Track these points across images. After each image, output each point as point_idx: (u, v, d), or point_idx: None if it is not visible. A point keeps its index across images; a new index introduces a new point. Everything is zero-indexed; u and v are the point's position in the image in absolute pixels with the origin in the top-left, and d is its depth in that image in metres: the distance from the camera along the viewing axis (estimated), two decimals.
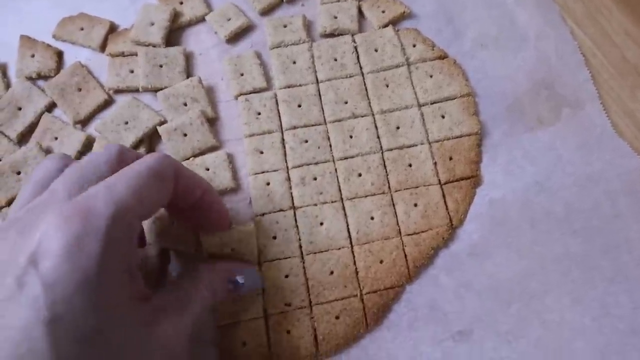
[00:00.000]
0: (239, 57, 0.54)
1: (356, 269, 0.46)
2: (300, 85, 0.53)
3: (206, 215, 0.41)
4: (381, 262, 0.46)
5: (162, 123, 0.51)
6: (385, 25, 0.56)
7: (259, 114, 0.51)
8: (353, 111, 0.51)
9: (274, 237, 0.47)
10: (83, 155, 0.51)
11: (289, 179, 0.49)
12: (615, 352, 0.43)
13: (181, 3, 0.57)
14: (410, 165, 0.50)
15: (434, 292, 0.46)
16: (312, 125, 0.51)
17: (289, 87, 0.53)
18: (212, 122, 0.52)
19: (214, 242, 0.43)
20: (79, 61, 0.54)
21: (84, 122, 0.53)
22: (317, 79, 0.53)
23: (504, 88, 0.53)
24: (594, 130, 0.51)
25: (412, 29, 0.56)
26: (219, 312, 0.44)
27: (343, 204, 0.48)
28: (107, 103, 0.53)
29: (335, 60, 0.54)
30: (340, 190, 0.49)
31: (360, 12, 0.57)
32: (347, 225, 0.48)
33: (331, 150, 0.50)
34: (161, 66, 0.53)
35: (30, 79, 0.54)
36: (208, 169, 0.49)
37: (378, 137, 0.51)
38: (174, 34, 0.56)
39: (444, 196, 0.49)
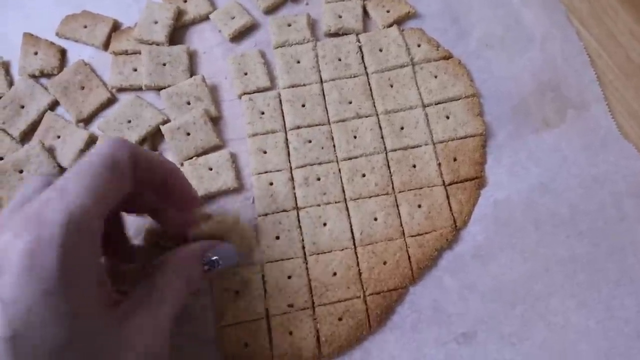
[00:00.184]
0: (243, 56, 0.54)
1: (359, 270, 0.46)
2: (304, 85, 0.52)
3: (173, 195, 0.39)
4: (385, 263, 0.46)
5: (165, 122, 0.51)
6: (390, 25, 0.55)
7: (263, 113, 0.51)
8: (357, 111, 0.51)
9: (277, 238, 0.47)
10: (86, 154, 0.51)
11: (292, 179, 0.49)
12: (620, 355, 0.43)
13: (185, 1, 0.57)
14: (414, 166, 0.49)
15: (438, 294, 0.46)
16: (316, 125, 0.51)
17: (292, 86, 0.52)
18: (216, 121, 0.52)
19: (201, 236, 0.41)
20: (82, 59, 0.54)
21: (87, 121, 0.53)
22: (321, 79, 0.53)
23: (509, 89, 0.53)
24: (599, 132, 0.51)
25: (417, 29, 0.55)
26: (222, 312, 0.44)
27: (347, 205, 0.48)
28: (110, 101, 0.53)
29: (340, 59, 0.53)
30: (343, 191, 0.49)
31: (365, 12, 0.57)
32: (351, 226, 0.47)
33: (335, 150, 0.50)
34: (164, 65, 0.53)
35: (33, 76, 0.54)
36: (211, 169, 0.49)
37: (382, 138, 0.50)
38: (177, 32, 0.56)
39: (448, 197, 0.48)
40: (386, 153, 0.50)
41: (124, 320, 0.32)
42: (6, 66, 0.55)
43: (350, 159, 0.49)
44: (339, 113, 0.51)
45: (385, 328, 0.45)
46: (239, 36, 0.56)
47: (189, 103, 0.51)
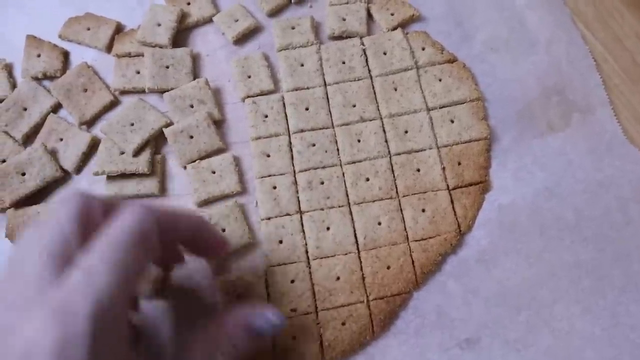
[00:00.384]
0: (247, 58, 0.54)
1: (363, 274, 0.46)
2: (308, 88, 0.52)
3: (200, 246, 0.39)
4: (388, 268, 0.46)
5: (168, 125, 0.51)
6: (394, 28, 0.55)
7: (266, 116, 0.51)
8: (361, 115, 0.51)
9: (280, 242, 0.47)
10: (88, 157, 0.51)
11: (295, 182, 0.49)
12: None
13: (188, 4, 0.56)
14: (418, 170, 0.49)
15: (442, 299, 0.45)
16: (320, 129, 0.51)
17: (296, 89, 0.52)
18: (219, 124, 0.52)
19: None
20: (85, 61, 0.54)
21: (90, 123, 0.52)
22: (325, 82, 0.53)
23: (514, 92, 0.53)
24: (605, 136, 0.51)
25: (421, 32, 0.55)
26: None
27: (350, 209, 0.48)
28: (113, 104, 0.53)
29: (344, 63, 0.53)
30: (347, 195, 0.48)
31: (369, 15, 0.56)
32: (354, 231, 0.47)
33: (339, 154, 0.50)
34: (168, 67, 0.53)
35: (36, 79, 0.54)
36: (214, 172, 0.49)
37: (386, 141, 0.50)
38: (181, 34, 0.56)
39: (452, 202, 0.48)
40: (390, 157, 0.50)
41: None
42: (9, 68, 0.54)
43: (354, 162, 0.49)
44: (342, 116, 0.51)
45: (388, 333, 0.45)
46: (243, 39, 0.55)
47: (192, 106, 0.51)
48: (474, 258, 0.47)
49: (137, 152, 0.49)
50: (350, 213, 0.48)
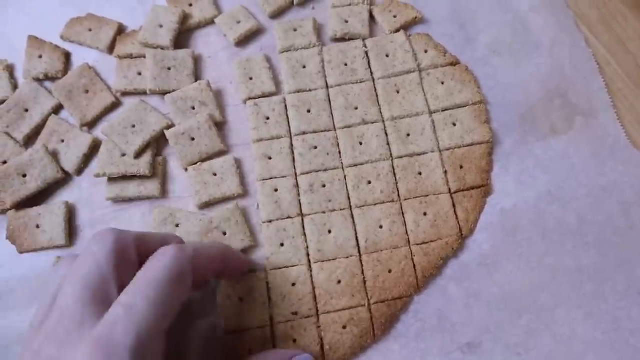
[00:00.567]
0: (249, 60, 0.53)
1: (364, 278, 0.46)
2: (309, 90, 0.52)
3: (227, 274, 0.43)
4: (390, 271, 0.46)
5: (169, 127, 0.50)
6: (397, 30, 0.55)
7: (268, 118, 0.51)
8: (363, 117, 0.51)
9: (282, 245, 0.47)
10: (89, 159, 0.51)
11: (297, 185, 0.49)
12: None
13: (190, 5, 0.56)
14: (420, 174, 0.49)
15: (443, 303, 0.45)
16: (322, 131, 0.50)
17: (298, 91, 0.52)
18: (220, 126, 0.52)
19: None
20: (86, 63, 0.54)
21: (91, 125, 0.52)
22: (327, 84, 0.52)
23: (517, 96, 0.52)
24: (607, 140, 0.50)
25: (424, 35, 0.55)
26: (226, 320, 0.44)
27: (352, 212, 0.48)
28: (115, 105, 0.53)
29: (346, 65, 0.53)
30: (349, 198, 0.48)
31: (372, 17, 0.56)
32: (356, 234, 0.47)
33: (340, 157, 0.50)
34: (169, 69, 0.53)
35: (37, 80, 0.54)
36: (215, 174, 0.49)
37: (388, 144, 0.50)
38: (182, 36, 0.56)
39: (454, 205, 0.48)
40: (392, 160, 0.49)
41: None
42: (10, 69, 0.54)
43: (355, 165, 0.49)
44: (344, 119, 0.51)
45: (389, 337, 0.45)
46: (245, 41, 0.55)
47: (193, 108, 0.51)
48: (476, 262, 0.47)
49: (138, 154, 0.49)
50: (352, 216, 0.48)
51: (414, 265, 0.46)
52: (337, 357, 0.43)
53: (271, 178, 0.49)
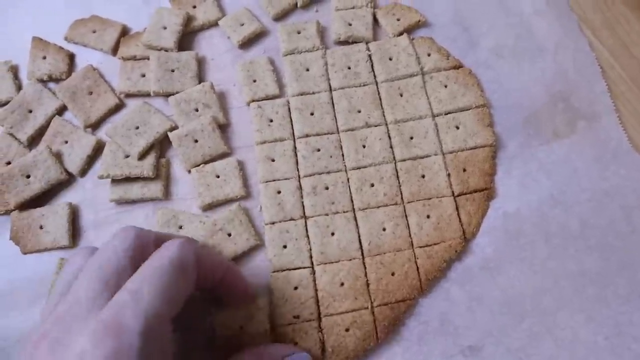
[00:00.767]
0: (252, 62, 0.53)
1: (367, 280, 0.46)
2: (313, 93, 0.52)
3: (229, 292, 0.41)
4: (393, 274, 0.46)
5: (173, 128, 0.51)
6: (400, 34, 0.55)
7: (271, 121, 0.51)
8: (366, 120, 0.51)
9: (284, 247, 0.47)
10: (93, 160, 0.51)
11: (300, 187, 0.49)
12: None
13: (194, 7, 0.56)
14: (423, 176, 0.49)
15: (446, 306, 0.45)
16: (325, 134, 0.50)
17: (301, 94, 0.52)
18: (224, 128, 0.52)
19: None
20: (90, 64, 0.54)
21: (95, 126, 0.52)
22: (330, 87, 0.53)
23: (520, 99, 0.52)
24: (610, 144, 0.50)
25: (427, 38, 0.55)
26: (226, 323, 0.44)
27: (355, 215, 0.48)
28: (118, 107, 0.53)
29: (349, 68, 0.53)
30: (352, 201, 0.48)
31: (375, 20, 0.56)
32: (359, 236, 0.47)
33: (343, 159, 0.50)
34: (173, 71, 0.53)
35: (41, 81, 0.54)
36: (218, 176, 0.49)
37: (391, 147, 0.50)
38: (186, 38, 0.56)
39: (457, 208, 0.48)
40: (395, 163, 0.49)
41: None
42: (15, 70, 0.55)
43: (359, 168, 0.49)
44: (348, 122, 0.51)
45: (392, 340, 0.45)
46: (248, 43, 0.55)
47: (197, 110, 0.51)
48: (479, 265, 0.47)
49: (141, 156, 0.49)
50: (355, 219, 0.48)
51: (417, 268, 0.46)
52: None
53: (274, 180, 0.49)
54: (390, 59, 0.53)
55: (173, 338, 0.34)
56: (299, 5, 0.57)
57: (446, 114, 0.51)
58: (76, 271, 0.34)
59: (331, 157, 0.50)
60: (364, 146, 0.50)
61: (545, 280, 0.46)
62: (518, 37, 0.55)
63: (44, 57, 0.54)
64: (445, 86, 0.52)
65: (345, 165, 0.49)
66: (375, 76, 0.53)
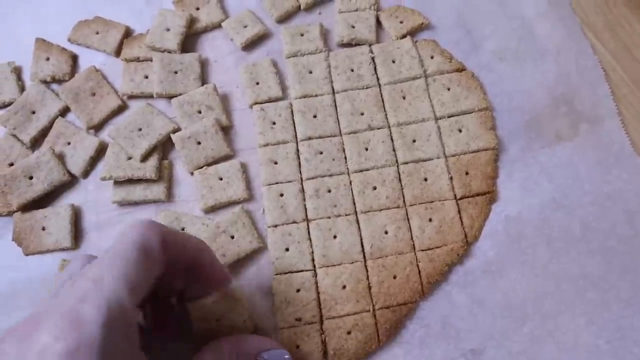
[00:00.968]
0: (255, 65, 0.53)
1: (369, 283, 0.46)
2: (316, 96, 0.52)
3: (203, 275, 0.39)
4: (395, 277, 0.46)
5: (175, 130, 0.51)
6: (403, 36, 0.55)
7: (274, 123, 0.51)
8: (369, 123, 0.51)
9: (287, 250, 0.47)
10: (96, 162, 0.51)
11: (303, 190, 0.49)
12: None
13: (197, 9, 0.56)
14: (425, 180, 0.49)
15: (447, 309, 0.46)
16: (328, 137, 0.51)
17: (304, 97, 0.52)
18: (227, 130, 0.52)
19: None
20: (93, 65, 0.54)
21: (98, 128, 0.53)
22: (333, 90, 0.53)
23: (523, 102, 0.52)
24: (613, 147, 0.50)
25: (430, 40, 0.55)
26: (204, 315, 0.44)
27: (357, 218, 0.48)
28: (121, 109, 0.53)
29: (352, 70, 0.53)
30: (354, 204, 0.48)
31: (378, 22, 0.56)
32: (361, 239, 0.47)
33: (346, 162, 0.50)
34: (176, 72, 0.53)
35: (44, 82, 0.54)
36: (221, 179, 0.49)
37: (394, 150, 0.50)
38: (189, 40, 0.56)
39: (459, 212, 0.48)
40: (398, 166, 0.49)
41: None
42: (18, 71, 0.55)
43: (361, 171, 0.49)
44: (350, 124, 0.51)
45: (393, 343, 0.45)
46: (251, 45, 0.55)
47: (200, 112, 0.51)
48: (480, 269, 0.47)
49: (144, 158, 0.49)
50: (357, 222, 0.48)
51: (419, 271, 0.46)
52: None
53: (277, 183, 0.49)
54: (393, 62, 0.53)
55: (140, 325, 0.33)
56: (302, 7, 0.57)
57: (449, 116, 0.51)
58: (70, 275, 0.34)
59: (334, 159, 0.50)
60: (366, 149, 0.50)
61: (546, 284, 0.46)
62: (520, 39, 0.55)
63: (47, 59, 0.54)
64: (448, 89, 0.52)
65: (347, 168, 0.49)
66: (378, 79, 0.53)
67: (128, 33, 0.56)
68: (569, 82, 0.53)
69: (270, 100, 0.52)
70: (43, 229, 0.48)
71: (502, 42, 0.55)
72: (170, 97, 0.52)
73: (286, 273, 0.46)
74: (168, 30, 0.54)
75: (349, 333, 0.44)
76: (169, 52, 0.54)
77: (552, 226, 0.48)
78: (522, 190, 0.49)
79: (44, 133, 0.52)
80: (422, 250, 0.47)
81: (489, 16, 0.56)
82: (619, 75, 0.54)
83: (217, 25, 0.56)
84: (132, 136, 0.50)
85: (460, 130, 0.51)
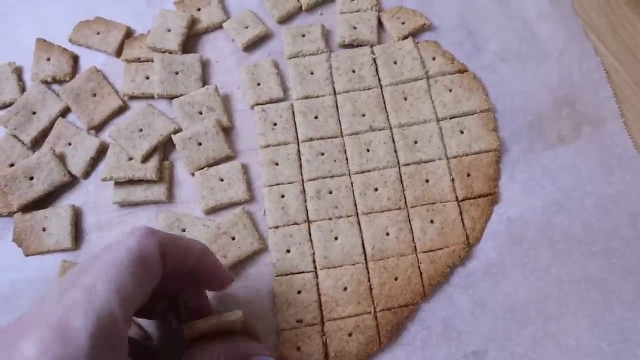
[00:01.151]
0: (256, 66, 0.53)
1: (370, 285, 0.46)
2: (317, 97, 0.52)
3: (204, 278, 0.38)
4: (396, 279, 0.46)
5: (176, 131, 0.50)
6: (405, 37, 0.55)
7: (275, 124, 0.51)
8: (370, 124, 0.51)
9: (288, 251, 0.46)
10: (96, 162, 0.51)
11: (304, 191, 0.49)
12: None
13: (199, 10, 0.56)
14: (427, 181, 0.49)
15: (449, 311, 0.45)
16: (329, 138, 0.50)
17: (306, 98, 0.52)
18: (228, 131, 0.52)
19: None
20: (94, 66, 0.54)
21: (98, 128, 0.52)
22: (334, 91, 0.52)
23: (525, 104, 0.52)
24: (615, 149, 0.50)
25: (432, 42, 0.55)
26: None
27: (358, 219, 0.48)
28: (122, 109, 0.53)
29: (354, 71, 0.53)
30: (355, 205, 0.48)
31: (380, 23, 0.56)
32: (362, 241, 0.47)
33: (347, 163, 0.50)
34: (177, 73, 0.53)
35: (45, 82, 0.54)
36: (222, 180, 0.49)
37: (395, 152, 0.50)
38: (190, 40, 0.56)
39: (461, 213, 0.48)
40: (399, 167, 0.49)
41: None
42: (19, 72, 0.54)
43: (362, 172, 0.49)
44: (352, 126, 0.51)
45: (395, 345, 0.45)
46: (253, 46, 0.55)
47: (200, 113, 0.51)
48: (482, 270, 0.47)
49: (145, 158, 0.49)
50: (359, 223, 0.48)
51: (420, 273, 0.46)
52: None
53: (278, 184, 0.49)
54: (395, 63, 0.53)
55: (133, 335, 0.32)
56: (303, 8, 0.57)
57: (451, 118, 0.51)
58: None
59: (335, 161, 0.49)
60: (368, 150, 0.50)
61: (549, 286, 0.46)
62: (523, 41, 0.55)
63: (48, 59, 0.54)
64: (450, 90, 0.52)
65: (349, 170, 0.49)
66: (379, 80, 0.53)
67: (129, 33, 0.56)
68: (571, 84, 0.53)
69: (271, 101, 0.52)
70: (43, 229, 0.48)
71: (504, 43, 0.55)
72: (171, 97, 0.52)
73: (287, 274, 0.46)
74: (169, 30, 0.54)
75: (350, 335, 0.44)
76: (170, 52, 0.54)
77: (554, 228, 0.48)
78: (524, 191, 0.49)
79: (44, 133, 0.52)
80: (424, 252, 0.47)
81: (491, 17, 0.56)
82: (621, 77, 0.54)
83: (218, 26, 0.56)
84: (132, 137, 0.50)
85: (462, 132, 0.51)
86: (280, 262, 0.46)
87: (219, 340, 0.38)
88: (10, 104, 0.53)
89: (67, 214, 0.48)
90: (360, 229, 0.47)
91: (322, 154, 0.50)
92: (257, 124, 0.51)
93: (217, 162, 0.50)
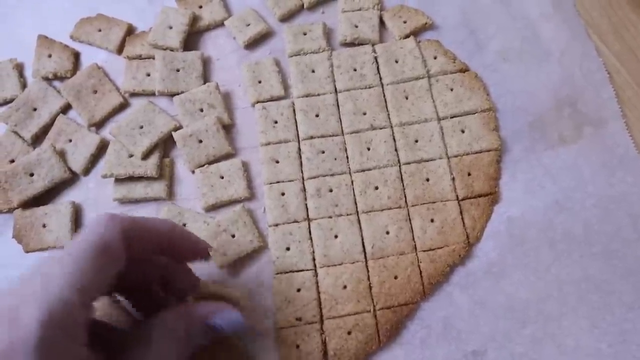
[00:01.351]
0: (257, 63, 0.53)
1: (370, 284, 0.46)
2: (318, 95, 0.52)
3: (181, 251, 0.38)
4: (396, 277, 0.46)
5: (177, 128, 0.50)
6: (407, 36, 0.55)
7: (276, 122, 0.51)
8: (371, 123, 0.51)
9: (288, 249, 0.46)
10: (97, 159, 0.51)
11: (304, 190, 0.48)
12: None
13: (200, 7, 0.56)
14: (427, 180, 0.49)
15: (449, 310, 0.45)
16: (330, 136, 0.50)
17: (307, 96, 0.52)
18: (228, 129, 0.52)
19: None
20: (95, 63, 0.54)
21: (99, 125, 0.52)
22: (335, 89, 0.52)
23: (526, 104, 0.52)
24: (617, 150, 0.50)
25: (434, 41, 0.55)
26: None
27: (358, 217, 0.48)
28: (123, 106, 0.53)
29: (355, 70, 0.53)
30: (356, 203, 0.48)
31: (382, 22, 0.56)
32: (362, 239, 0.47)
33: (348, 162, 0.49)
34: (178, 70, 0.53)
35: (46, 79, 0.54)
36: (222, 177, 0.49)
37: (396, 150, 0.50)
38: (191, 38, 0.56)
39: (461, 212, 0.48)
40: (400, 166, 0.49)
41: None
42: (20, 68, 0.54)
43: (363, 171, 0.49)
44: (353, 124, 0.51)
45: (394, 343, 0.44)
46: (254, 43, 0.55)
47: (201, 110, 0.51)
48: (482, 270, 0.46)
49: (145, 155, 0.49)
50: (359, 221, 0.47)
51: (420, 272, 0.46)
52: None
53: (278, 182, 0.49)
54: (397, 62, 0.53)
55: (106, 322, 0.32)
56: (305, 6, 0.57)
57: (452, 117, 0.51)
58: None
59: (335, 159, 0.49)
60: (368, 149, 0.50)
61: (549, 286, 0.46)
62: (525, 41, 0.55)
63: (49, 55, 0.54)
64: (451, 89, 0.52)
65: (349, 168, 0.49)
66: (381, 78, 0.53)
67: (130, 31, 0.56)
68: (573, 84, 0.53)
69: (272, 99, 0.52)
70: (44, 226, 0.48)
71: (506, 43, 0.55)
72: (172, 95, 0.52)
73: (287, 272, 0.46)
74: (170, 28, 0.54)
75: (349, 333, 0.44)
76: (171, 50, 0.54)
77: (555, 228, 0.47)
78: (525, 191, 0.49)
79: (45, 130, 0.52)
80: (424, 251, 0.47)
81: (493, 17, 0.56)
82: (623, 77, 0.54)
83: (220, 24, 0.56)
84: (133, 134, 0.50)
85: (463, 131, 0.50)
86: (280, 260, 0.46)
87: (175, 308, 0.37)
88: (11, 101, 0.53)
89: (67, 210, 0.48)
90: (360, 228, 0.47)
91: (323, 152, 0.50)
92: (257, 122, 0.51)
93: (217, 160, 0.50)
